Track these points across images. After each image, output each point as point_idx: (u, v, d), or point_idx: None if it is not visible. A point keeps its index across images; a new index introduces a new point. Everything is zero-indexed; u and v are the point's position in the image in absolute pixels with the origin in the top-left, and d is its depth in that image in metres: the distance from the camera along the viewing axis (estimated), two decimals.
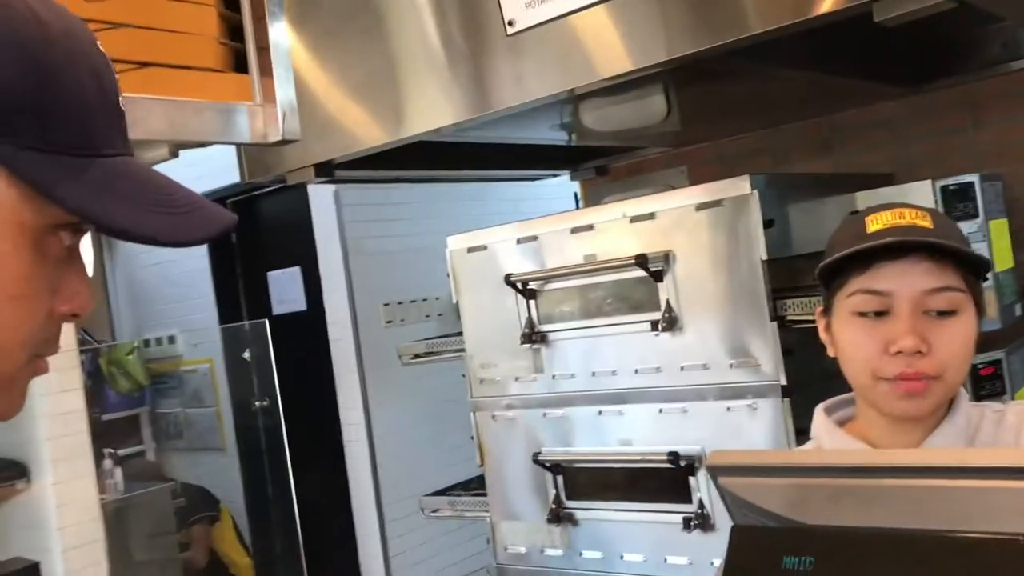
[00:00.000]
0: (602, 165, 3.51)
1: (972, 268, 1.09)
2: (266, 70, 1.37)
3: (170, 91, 1.28)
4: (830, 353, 1.18)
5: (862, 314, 1.10)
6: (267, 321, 4.51)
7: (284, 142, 1.38)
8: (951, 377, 1.07)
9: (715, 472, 0.70)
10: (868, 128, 2.96)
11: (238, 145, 1.42)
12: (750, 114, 3.05)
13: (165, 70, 1.30)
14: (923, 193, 2.25)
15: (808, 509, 0.64)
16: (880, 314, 1.09)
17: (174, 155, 1.38)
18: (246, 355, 4.60)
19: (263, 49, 1.36)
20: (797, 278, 2.35)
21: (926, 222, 1.09)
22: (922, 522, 0.61)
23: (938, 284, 1.06)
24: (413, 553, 4.24)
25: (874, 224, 1.10)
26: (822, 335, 1.19)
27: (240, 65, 1.41)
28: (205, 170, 4.31)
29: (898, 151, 2.89)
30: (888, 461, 0.62)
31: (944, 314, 1.07)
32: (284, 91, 1.39)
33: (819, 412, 1.23)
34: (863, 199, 2.42)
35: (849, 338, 1.12)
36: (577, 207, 3.62)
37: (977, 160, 2.73)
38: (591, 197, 3.56)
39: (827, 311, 1.18)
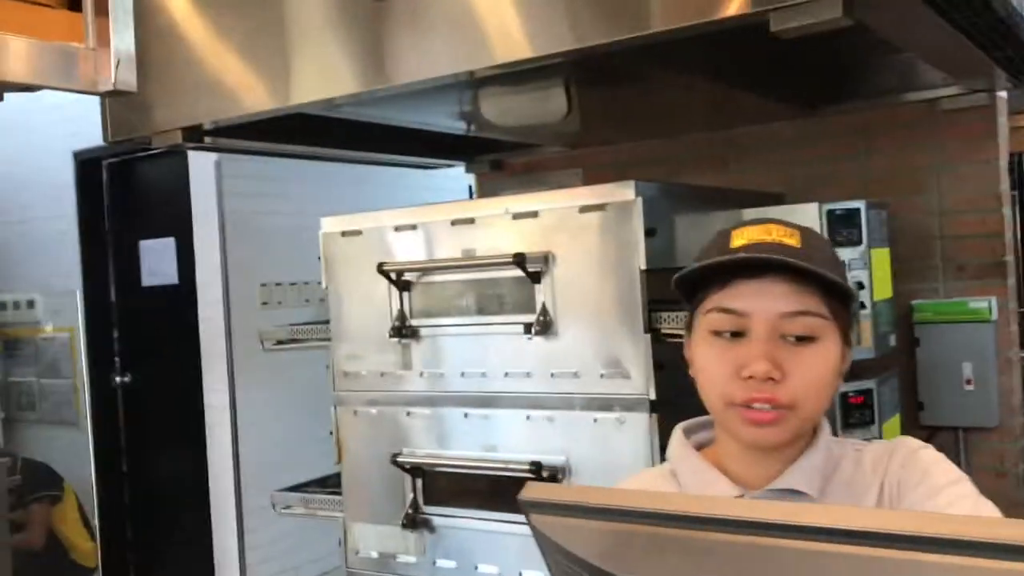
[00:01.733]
0: (498, 160, 3.42)
1: (838, 295, 1.02)
2: (101, 9, 1.21)
3: None
4: (691, 374, 1.10)
5: (717, 333, 1.02)
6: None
7: (115, 93, 1.22)
8: (806, 408, 1.00)
9: (527, 508, 0.59)
10: (763, 147, 2.94)
11: (67, 91, 1.25)
12: (650, 122, 3.01)
13: None
14: (810, 216, 2.22)
15: (626, 560, 0.54)
16: (736, 335, 1.01)
17: None
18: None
19: None
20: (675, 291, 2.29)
21: (793, 240, 1.02)
22: None
23: (796, 308, 0.99)
24: (270, 547, 4.05)
25: (738, 239, 1.03)
26: (686, 353, 1.11)
27: (75, 3, 1.24)
28: (82, 127, 4.04)
29: (791, 172, 2.88)
30: (724, 512, 0.52)
31: (803, 340, 1.00)
32: (121, 36, 1.23)
33: (677, 433, 1.16)
34: (750, 216, 2.38)
35: (703, 358, 1.05)
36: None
37: (866, 187, 2.74)
38: (486, 191, 3.46)
39: (689, 329, 1.10)
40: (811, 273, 0.98)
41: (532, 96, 2.44)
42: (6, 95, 1.30)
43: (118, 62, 1.22)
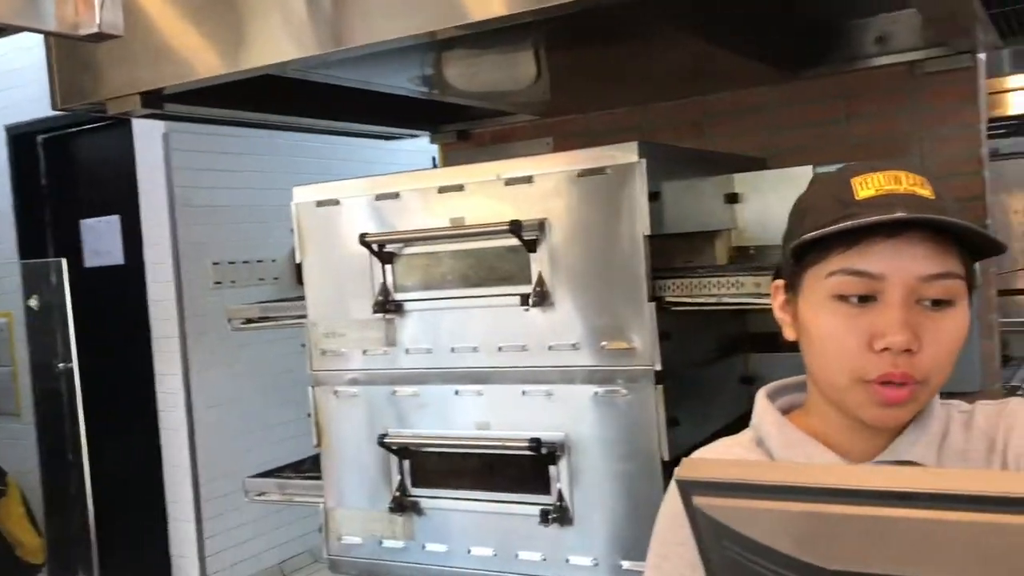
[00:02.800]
0: (464, 129, 3.30)
1: (973, 252, 0.92)
2: None
3: None
4: (788, 336, 1.00)
5: (843, 298, 0.91)
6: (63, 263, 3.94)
7: (101, 36, 1.09)
8: (938, 380, 0.91)
9: (689, 488, 0.50)
10: (741, 113, 2.89)
11: (42, 33, 1.11)
12: (621, 89, 2.93)
13: None
14: (804, 179, 2.16)
15: (828, 548, 0.46)
16: (864, 300, 0.90)
17: None
18: (32, 303, 4.08)
19: None
20: (671, 258, 2.22)
21: (927, 191, 0.90)
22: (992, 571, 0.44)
23: (938, 270, 0.88)
24: (230, 535, 3.91)
25: (864, 189, 0.91)
26: (777, 313, 1.01)
27: None
28: (13, 99, 3.81)
29: (770, 138, 2.83)
30: (949, 486, 0.44)
31: (939, 304, 0.90)
32: None
33: (762, 399, 1.05)
34: (741, 181, 2.33)
35: (825, 327, 0.93)
36: None
37: (848, 152, 2.70)
38: (451, 163, 3.35)
39: (791, 288, 0.99)
40: (960, 230, 0.88)
41: (500, 60, 2.33)
42: None
43: (102, 0, 1.08)
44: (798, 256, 0.96)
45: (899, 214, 0.87)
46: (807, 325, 0.96)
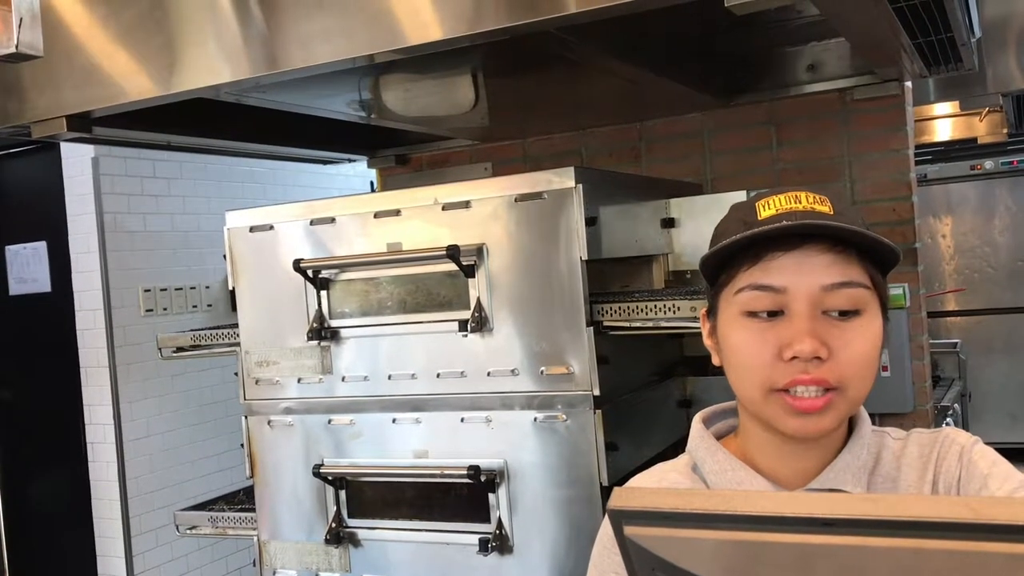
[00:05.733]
0: (403, 154, 3.29)
1: (878, 263, 0.94)
2: None
3: None
4: (715, 362, 1.00)
5: (752, 314, 0.93)
6: None
7: (19, 56, 1.05)
8: (855, 389, 0.92)
9: (620, 519, 0.49)
10: (676, 138, 2.92)
11: None
12: (559, 114, 2.95)
13: None
14: None
15: (756, 573, 0.45)
16: (774, 314, 0.92)
17: None
18: None
19: None
20: (608, 283, 2.23)
21: (825, 207, 0.93)
22: None
23: (839, 279, 0.91)
24: (161, 570, 3.79)
25: (766, 209, 0.93)
26: (706, 341, 1.02)
27: None
28: None
29: (703, 163, 2.87)
30: (883, 513, 0.43)
31: (846, 314, 0.91)
32: None
33: (697, 424, 1.05)
34: (676, 206, 2.35)
35: (738, 342, 0.94)
36: None
37: (777, 178, 2.75)
38: (390, 187, 3.32)
39: (711, 313, 1.00)
40: (855, 239, 0.90)
41: (438, 84, 2.33)
42: None
43: (20, 20, 1.05)
44: (711, 278, 0.99)
45: (784, 223, 0.90)
46: (724, 344, 0.97)
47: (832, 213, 0.92)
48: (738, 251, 0.93)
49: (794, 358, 0.90)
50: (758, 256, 0.92)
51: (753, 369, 0.93)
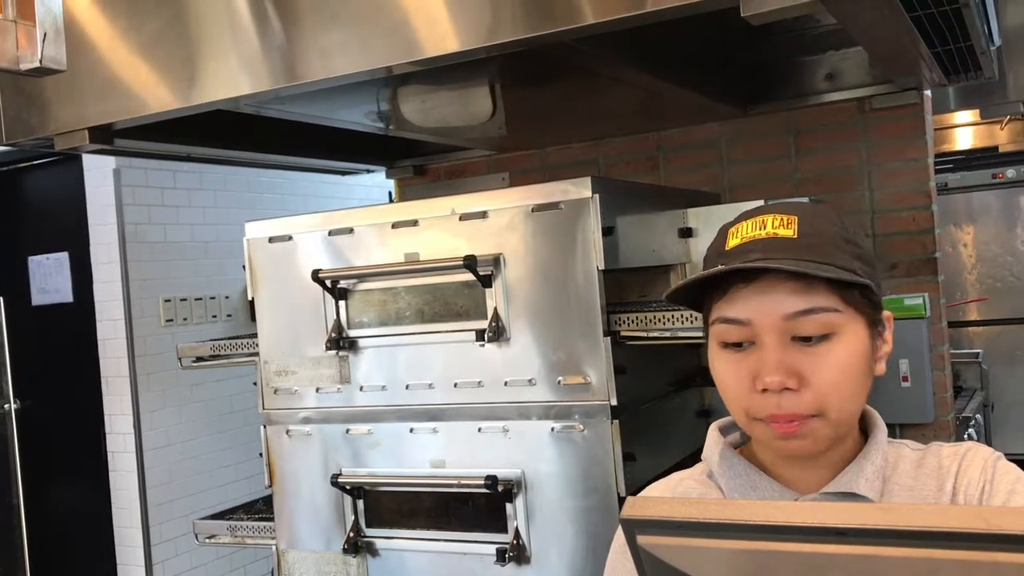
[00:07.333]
0: (420, 164, 3.30)
1: (843, 284, 0.91)
2: None
3: None
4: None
5: (726, 344, 0.94)
6: None
7: (43, 71, 1.07)
8: (835, 411, 0.91)
9: (634, 528, 0.49)
10: (694, 148, 2.92)
11: None
12: (577, 124, 2.95)
13: None
14: None
15: None
16: (750, 343, 0.92)
17: None
18: None
19: None
20: (626, 293, 2.23)
21: (790, 230, 0.91)
22: None
23: (802, 307, 0.89)
24: None
25: (733, 238, 0.93)
26: (710, 365, 1.02)
27: None
28: None
29: (721, 172, 2.86)
30: (896, 522, 0.43)
31: (818, 339, 0.90)
32: (47, 5, 1.07)
33: (713, 433, 1.05)
34: (693, 215, 2.34)
35: (718, 372, 0.96)
36: None
37: (796, 187, 2.74)
38: (407, 198, 3.34)
39: (706, 336, 1.01)
40: (784, 269, 0.88)
41: (456, 95, 2.34)
42: None
43: (44, 35, 1.06)
44: (694, 306, 1.01)
45: (719, 267, 0.90)
46: (711, 369, 0.99)
47: (795, 237, 0.91)
48: (706, 282, 0.94)
49: (765, 389, 0.90)
50: (725, 289, 0.92)
51: (734, 399, 0.94)
